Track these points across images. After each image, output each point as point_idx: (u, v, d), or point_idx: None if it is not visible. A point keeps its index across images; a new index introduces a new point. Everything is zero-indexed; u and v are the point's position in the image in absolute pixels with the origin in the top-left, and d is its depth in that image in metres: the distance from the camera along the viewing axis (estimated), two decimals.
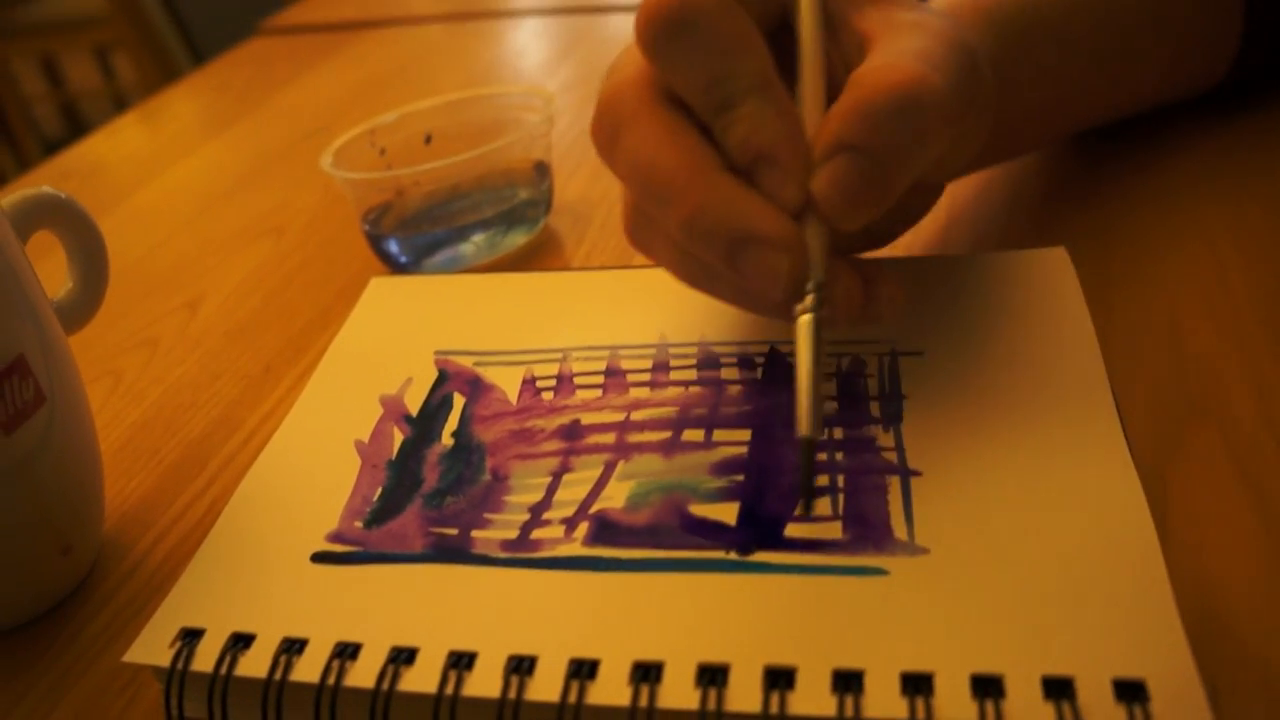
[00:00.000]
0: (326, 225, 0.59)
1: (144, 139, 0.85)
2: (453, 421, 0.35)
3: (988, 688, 0.23)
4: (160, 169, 0.74)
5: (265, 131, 0.77)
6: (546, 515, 0.30)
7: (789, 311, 0.29)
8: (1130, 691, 0.23)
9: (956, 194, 0.46)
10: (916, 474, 0.29)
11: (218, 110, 0.85)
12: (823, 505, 0.29)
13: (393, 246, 0.50)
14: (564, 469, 0.32)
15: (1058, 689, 0.23)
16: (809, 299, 0.29)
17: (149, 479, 0.40)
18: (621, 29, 0.82)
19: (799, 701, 0.24)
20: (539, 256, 0.51)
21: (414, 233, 0.50)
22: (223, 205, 0.65)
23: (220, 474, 0.40)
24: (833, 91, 0.30)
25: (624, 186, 0.32)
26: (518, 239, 0.51)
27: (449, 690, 0.26)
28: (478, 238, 0.49)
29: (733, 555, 0.28)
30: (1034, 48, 0.39)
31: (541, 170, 0.51)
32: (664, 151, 0.29)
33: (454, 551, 0.30)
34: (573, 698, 0.25)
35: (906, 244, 0.39)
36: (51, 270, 0.35)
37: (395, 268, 0.50)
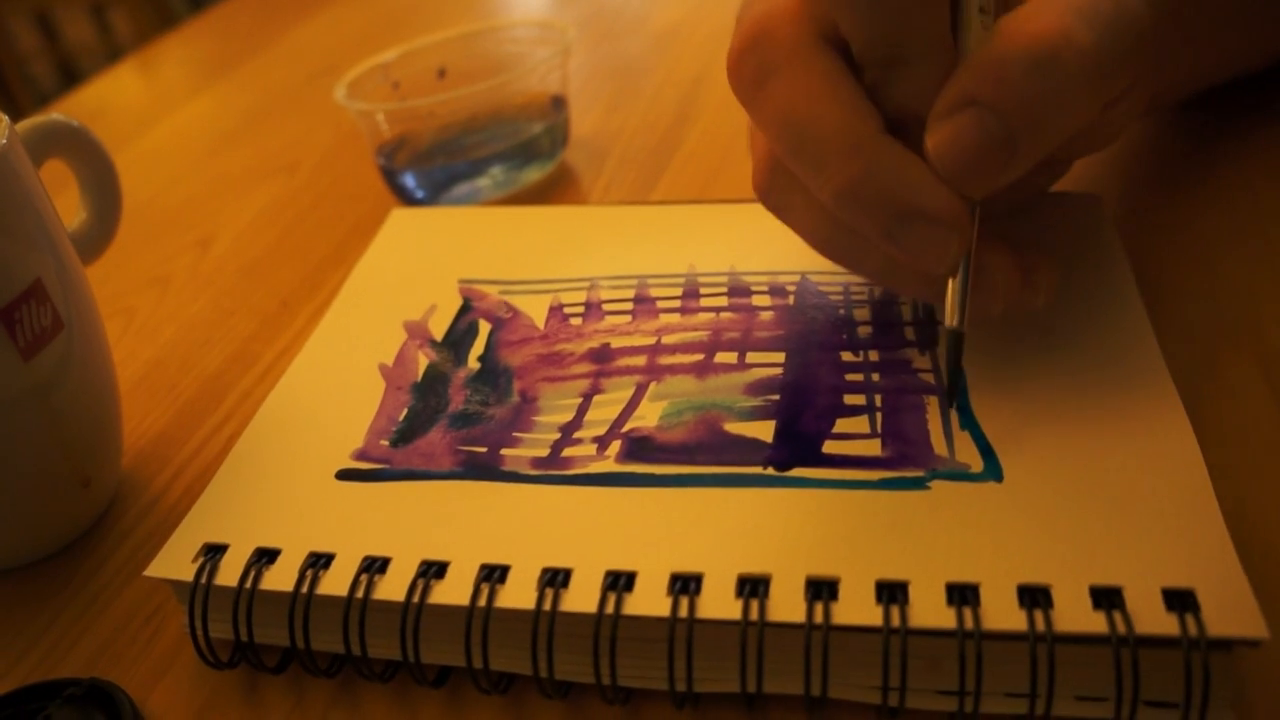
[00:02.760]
0: (339, 163, 0.58)
1: (144, 85, 0.84)
2: (479, 346, 0.35)
3: (1035, 598, 0.23)
4: (163, 113, 0.73)
5: (271, 74, 0.75)
6: (578, 434, 0.30)
7: (940, 288, 0.27)
8: (1180, 600, 0.22)
9: None
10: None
11: (220, 54, 0.84)
12: (861, 423, 0.29)
13: (408, 180, 0.49)
14: (594, 390, 0.32)
15: (1107, 599, 0.23)
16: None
17: (165, 415, 0.40)
18: None
19: (843, 611, 0.23)
20: (556, 191, 0.50)
21: (429, 166, 0.49)
22: (231, 146, 0.64)
23: (237, 409, 0.39)
24: None
25: (764, 137, 0.29)
26: (534, 173, 0.50)
27: (482, 602, 0.25)
28: (494, 170, 0.48)
29: (770, 471, 0.27)
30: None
31: (558, 103, 0.50)
32: (823, 106, 0.26)
33: (483, 469, 0.29)
34: (610, 608, 0.24)
35: None
36: (64, 206, 0.35)
37: (410, 203, 0.50)
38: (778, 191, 0.30)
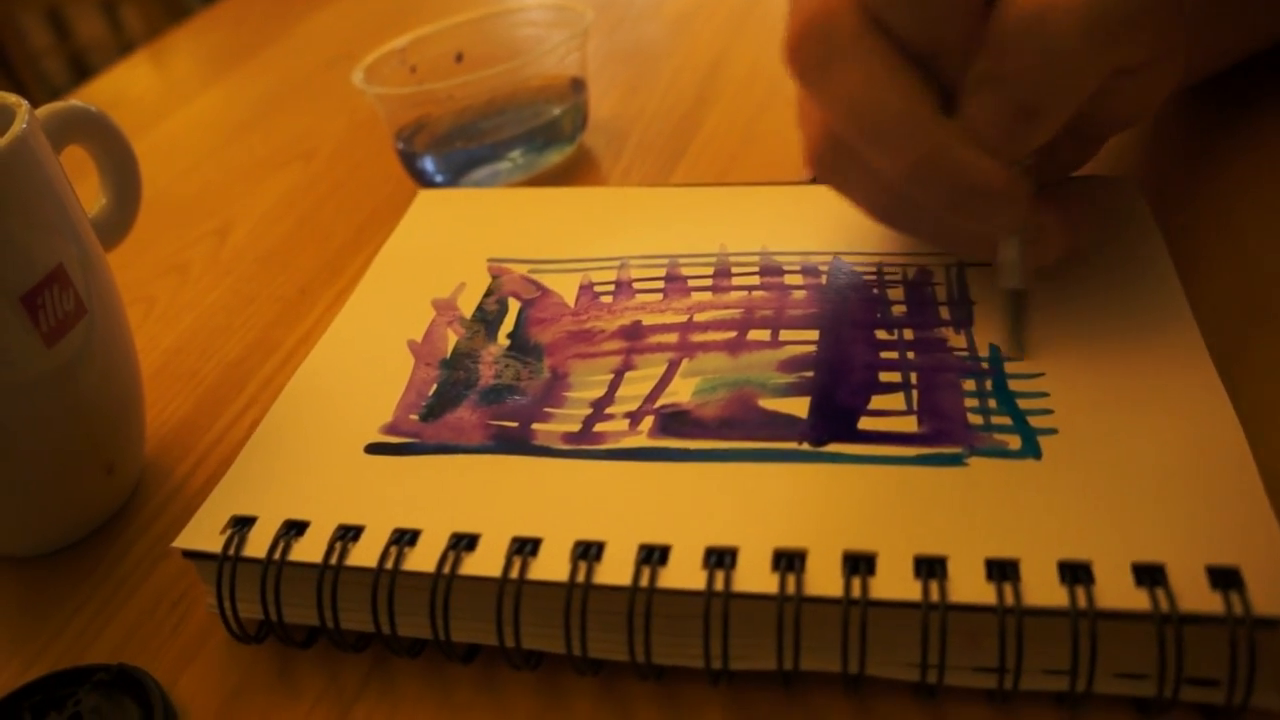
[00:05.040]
0: (356, 149, 0.58)
1: (157, 76, 0.83)
2: (508, 324, 0.34)
3: (1076, 574, 0.23)
4: (177, 104, 0.72)
5: (284, 62, 0.75)
6: (610, 410, 0.30)
7: (991, 247, 0.29)
8: (1225, 578, 0.22)
9: None
10: (991, 373, 0.29)
11: (233, 44, 0.84)
12: (897, 400, 0.28)
13: (428, 164, 0.48)
14: (626, 367, 0.31)
15: (1149, 576, 0.22)
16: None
17: (187, 403, 0.40)
18: None
19: (881, 586, 0.23)
20: (575, 174, 0.50)
21: (449, 150, 0.49)
22: (247, 134, 0.64)
23: (259, 395, 0.39)
24: None
25: (825, 115, 0.30)
26: (554, 156, 0.49)
27: (514, 574, 0.25)
28: (515, 154, 0.48)
29: (805, 446, 0.27)
30: None
31: (577, 85, 0.50)
32: (887, 92, 0.27)
33: (514, 443, 0.29)
34: (644, 581, 0.24)
35: None
36: (84, 192, 0.34)
37: (429, 187, 0.49)
38: (834, 166, 0.31)
